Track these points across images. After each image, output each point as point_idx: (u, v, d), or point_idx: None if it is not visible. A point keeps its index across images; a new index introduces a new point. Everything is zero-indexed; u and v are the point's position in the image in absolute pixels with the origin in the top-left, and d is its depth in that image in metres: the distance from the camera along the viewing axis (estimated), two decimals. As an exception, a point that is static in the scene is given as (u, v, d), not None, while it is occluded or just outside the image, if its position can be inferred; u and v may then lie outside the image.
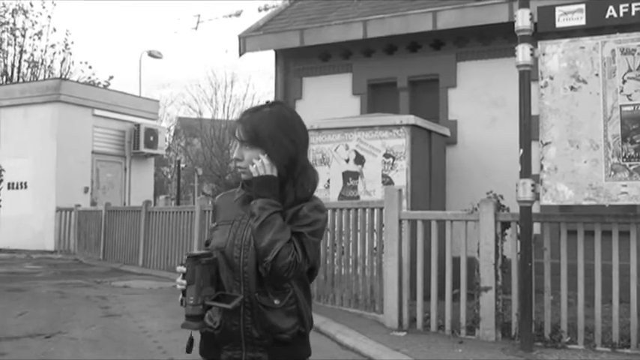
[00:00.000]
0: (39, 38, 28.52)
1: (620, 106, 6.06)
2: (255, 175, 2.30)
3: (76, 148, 18.19)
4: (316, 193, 2.43)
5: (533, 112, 6.54)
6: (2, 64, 27.96)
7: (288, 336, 2.33)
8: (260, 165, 2.29)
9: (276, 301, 2.31)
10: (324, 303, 8.29)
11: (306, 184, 2.38)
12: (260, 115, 2.36)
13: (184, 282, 2.27)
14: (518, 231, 6.63)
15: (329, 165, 9.28)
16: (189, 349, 2.42)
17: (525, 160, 6.41)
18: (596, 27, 6.40)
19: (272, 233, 2.23)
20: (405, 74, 11.15)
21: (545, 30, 6.56)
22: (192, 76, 66.60)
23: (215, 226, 2.43)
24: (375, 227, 7.94)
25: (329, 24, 11.34)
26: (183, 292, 2.29)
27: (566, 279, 6.53)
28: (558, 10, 6.39)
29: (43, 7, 31.01)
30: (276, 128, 2.34)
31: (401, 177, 8.87)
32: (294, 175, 2.34)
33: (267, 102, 2.44)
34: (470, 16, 10.04)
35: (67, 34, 34.71)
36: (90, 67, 30.03)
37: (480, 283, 6.86)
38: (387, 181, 8.88)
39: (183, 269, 2.28)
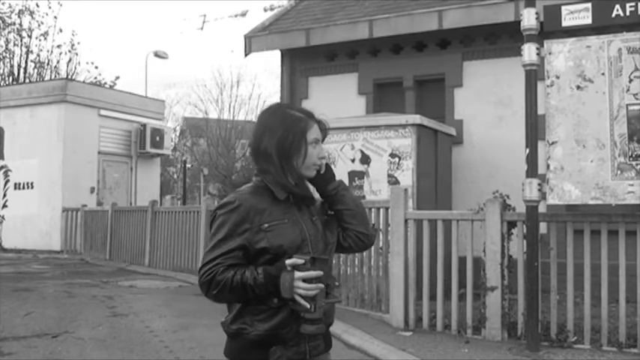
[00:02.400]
0: (45, 39, 28.62)
1: (627, 105, 6.04)
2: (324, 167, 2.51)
3: (82, 148, 18.22)
4: None
5: (540, 111, 6.53)
6: (9, 65, 28.04)
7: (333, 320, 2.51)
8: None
9: (337, 283, 2.47)
10: (330, 303, 8.28)
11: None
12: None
13: (320, 285, 2.25)
14: (525, 230, 6.62)
15: (335, 164, 9.27)
16: None
17: (532, 160, 6.40)
18: (602, 26, 6.38)
19: None
20: (411, 74, 11.15)
21: (551, 29, 6.54)
22: (198, 76, 66.76)
23: (267, 227, 2.35)
24: (381, 227, 7.93)
25: (335, 24, 11.34)
26: (313, 297, 2.23)
27: (573, 278, 6.52)
28: (564, 9, 6.38)
29: (50, 8, 31.13)
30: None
31: (407, 177, 8.86)
32: None
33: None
34: (476, 15, 10.03)
35: (73, 34, 34.83)
36: (96, 68, 30.02)
37: (486, 282, 6.86)
38: (393, 181, 8.87)
39: (311, 274, 2.24)
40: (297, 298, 2.24)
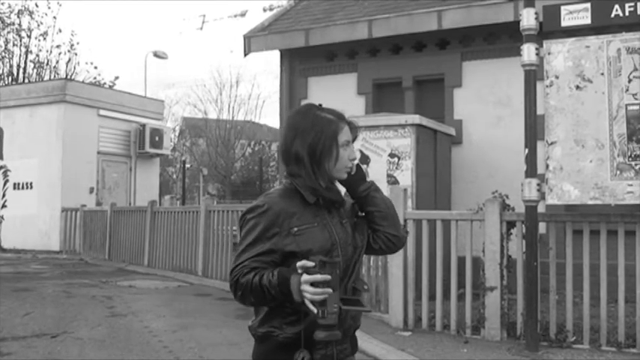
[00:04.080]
0: (44, 39, 28.57)
1: (626, 105, 6.05)
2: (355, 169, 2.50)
3: (81, 149, 18.20)
4: None
5: (539, 111, 6.53)
6: (8, 65, 28.01)
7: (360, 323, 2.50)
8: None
9: (365, 286, 2.48)
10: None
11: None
12: None
13: (328, 290, 2.15)
14: (524, 230, 6.62)
15: (334, 165, 9.26)
16: None
17: (531, 160, 6.40)
18: (601, 26, 6.39)
19: None
20: (411, 74, 11.15)
21: (550, 29, 6.55)
22: (198, 76, 66.66)
23: (296, 232, 2.33)
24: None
25: (334, 24, 11.34)
26: (322, 302, 2.15)
27: (572, 278, 6.52)
28: (564, 9, 6.38)
29: (49, 8, 31.13)
30: None
31: (406, 176, 8.87)
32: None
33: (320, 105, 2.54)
34: (475, 15, 10.03)
35: (72, 34, 34.66)
36: (95, 68, 30.01)
37: (485, 282, 6.86)
38: (393, 181, 8.87)
39: (317, 277, 2.15)
40: (307, 302, 2.17)
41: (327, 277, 2.15)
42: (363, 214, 2.55)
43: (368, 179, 2.56)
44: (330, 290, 2.14)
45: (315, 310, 2.15)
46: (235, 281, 2.32)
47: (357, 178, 2.50)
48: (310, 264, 2.17)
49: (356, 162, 2.50)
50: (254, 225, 2.35)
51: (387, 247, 2.57)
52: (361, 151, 9.16)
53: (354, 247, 2.46)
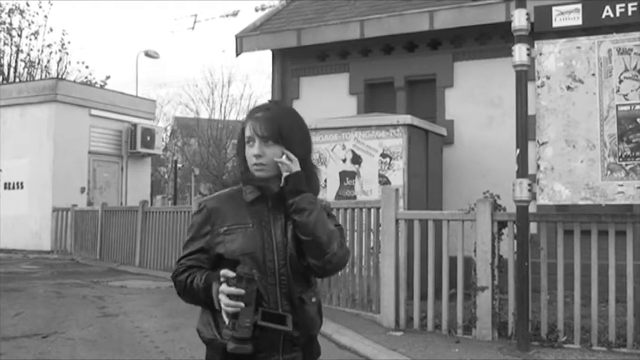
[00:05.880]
0: (35, 38, 28.53)
1: (617, 105, 6.07)
2: (286, 171, 2.29)
3: (72, 148, 18.16)
4: None
5: (530, 111, 6.54)
6: (-2, 64, 27.94)
7: (318, 331, 2.41)
8: (293, 161, 2.29)
9: (313, 299, 2.37)
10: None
11: (316, 181, 2.41)
12: (279, 113, 2.36)
13: (240, 304, 2.11)
14: (515, 231, 6.63)
15: (326, 165, 9.28)
16: None
17: (522, 160, 6.42)
18: (592, 27, 6.40)
19: (328, 227, 2.30)
20: (402, 74, 11.16)
21: (541, 30, 6.56)
22: (189, 76, 66.65)
23: (225, 231, 2.30)
24: (372, 227, 7.94)
25: (326, 24, 11.34)
26: (234, 314, 2.12)
27: (563, 278, 6.54)
28: (555, 10, 6.40)
29: (40, 7, 31.16)
30: (296, 125, 2.37)
31: (398, 177, 8.87)
32: (306, 172, 2.34)
33: (270, 101, 2.44)
34: (467, 16, 10.05)
35: (63, 33, 34.71)
36: (87, 67, 29.97)
37: (476, 282, 6.87)
38: (384, 181, 8.88)
39: (231, 290, 2.11)
40: (222, 311, 2.17)
41: (241, 291, 2.11)
42: None
43: (320, 196, 2.41)
44: (241, 304, 2.12)
45: (226, 321, 2.16)
46: (174, 278, 2.36)
47: (288, 187, 2.28)
48: (231, 274, 2.14)
49: (259, 160, 2.30)
50: (192, 223, 2.40)
51: (312, 271, 2.35)
52: (353, 152, 9.16)
53: (298, 252, 2.31)
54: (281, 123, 2.31)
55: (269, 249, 2.30)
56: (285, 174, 2.29)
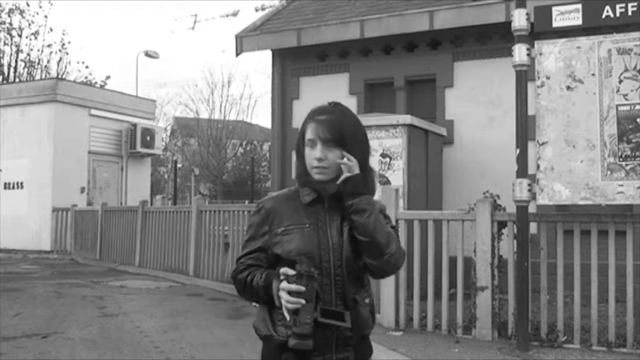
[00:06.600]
0: (35, 38, 28.52)
1: (617, 105, 6.07)
2: (348, 173, 2.30)
3: (72, 148, 18.15)
4: None
5: (530, 111, 6.54)
6: (-2, 64, 27.94)
7: (370, 331, 2.44)
8: (355, 164, 2.30)
9: (367, 300, 2.40)
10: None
11: (372, 182, 2.43)
12: (341, 116, 2.37)
13: (301, 301, 2.15)
14: (515, 230, 6.63)
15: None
16: None
17: (522, 160, 6.42)
18: (592, 27, 6.41)
19: (386, 228, 2.33)
20: (402, 74, 11.16)
21: (541, 30, 6.57)
22: (189, 76, 66.71)
23: (282, 231, 2.34)
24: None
25: (326, 24, 11.34)
26: (295, 311, 2.17)
27: (563, 278, 6.54)
28: (555, 10, 6.40)
29: (40, 7, 31.19)
30: (357, 129, 2.40)
31: (398, 177, 8.87)
32: (364, 173, 2.36)
33: (330, 103, 2.43)
34: (467, 15, 10.05)
35: (63, 33, 34.71)
36: (87, 67, 30.03)
37: (476, 282, 6.87)
38: (384, 181, 8.87)
39: (292, 287, 2.16)
40: (283, 308, 2.21)
41: (301, 288, 2.16)
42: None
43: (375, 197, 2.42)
44: (302, 301, 2.16)
45: (287, 318, 2.21)
46: (234, 276, 2.41)
47: (347, 189, 2.30)
48: (291, 272, 2.18)
49: (322, 164, 2.32)
50: (251, 223, 2.45)
51: (370, 271, 2.39)
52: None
53: (354, 253, 2.33)
54: (343, 127, 2.34)
55: (325, 249, 2.32)
56: (345, 175, 2.30)
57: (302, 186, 2.40)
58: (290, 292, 2.16)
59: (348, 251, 2.32)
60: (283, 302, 2.19)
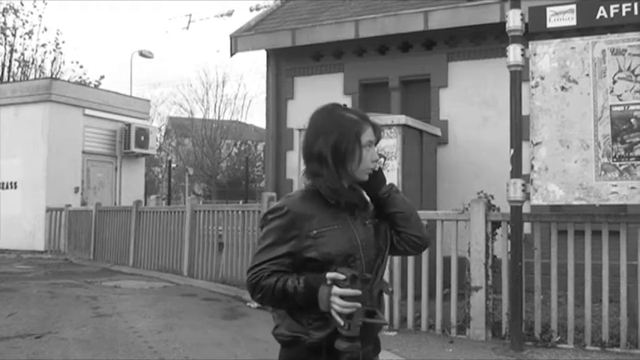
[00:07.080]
0: (30, 37, 28.42)
1: (611, 106, 6.09)
2: (379, 167, 2.47)
3: (66, 148, 18.10)
4: None
5: (524, 112, 6.56)
6: (-8, 64, 27.85)
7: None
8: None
9: (390, 288, 2.49)
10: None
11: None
12: None
13: (357, 304, 2.17)
14: (509, 231, 6.65)
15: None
16: None
17: (516, 160, 6.43)
18: (586, 27, 6.42)
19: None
20: (397, 74, 11.17)
21: (536, 30, 6.58)
22: (184, 76, 66.61)
23: (316, 234, 2.30)
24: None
25: (321, 24, 11.34)
26: (349, 315, 2.17)
27: (557, 278, 6.56)
28: (549, 11, 6.41)
29: (34, 7, 30.92)
30: None
31: (392, 177, 8.87)
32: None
33: (344, 105, 2.52)
34: (461, 16, 10.06)
35: (57, 33, 34.38)
36: (81, 67, 30.03)
37: (470, 282, 6.88)
38: (379, 181, 8.86)
39: (348, 291, 2.16)
40: (333, 313, 2.19)
41: (359, 292, 2.17)
42: (383, 217, 2.49)
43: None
44: (359, 305, 2.18)
45: (341, 323, 2.18)
46: (256, 283, 2.30)
47: (378, 180, 2.44)
48: (341, 277, 2.17)
49: (377, 165, 2.45)
50: (274, 227, 2.33)
51: (412, 247, 2.52)
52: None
53: (378, 249, 2.41)
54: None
55: (357, 248, 2.34)
56: (376, 169, 2.45)
57: (342, 199, 2.37)
58: (342, 297, 2.16)
59: (382, 243, 2.44)
60: (337, 308, 2.17)
